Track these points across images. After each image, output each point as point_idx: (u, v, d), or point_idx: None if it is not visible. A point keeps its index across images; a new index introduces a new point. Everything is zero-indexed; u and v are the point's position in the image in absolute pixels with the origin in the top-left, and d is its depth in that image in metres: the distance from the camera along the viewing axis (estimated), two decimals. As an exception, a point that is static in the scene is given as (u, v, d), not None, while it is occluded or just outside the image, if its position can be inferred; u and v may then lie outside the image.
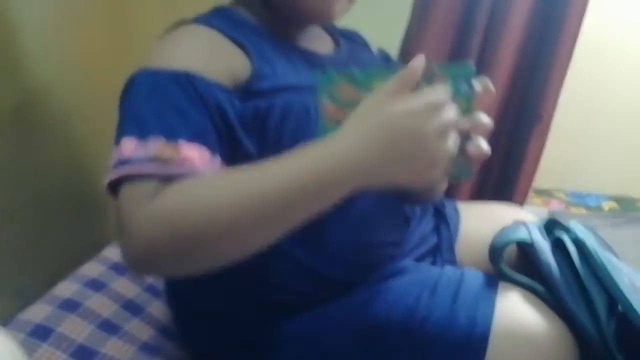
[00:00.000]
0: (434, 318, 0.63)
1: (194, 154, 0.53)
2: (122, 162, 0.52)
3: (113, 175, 0.52)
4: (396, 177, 0.51)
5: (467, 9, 1.20)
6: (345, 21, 0.78)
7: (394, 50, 1.24)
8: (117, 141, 0.54)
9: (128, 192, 0.51)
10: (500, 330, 0.60)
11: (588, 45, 1.32)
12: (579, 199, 1.64)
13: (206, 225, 0.49)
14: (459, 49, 1.22)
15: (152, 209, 0.49)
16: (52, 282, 0.79)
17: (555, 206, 1.60)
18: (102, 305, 0.78)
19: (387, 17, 1.23)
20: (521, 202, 1.32)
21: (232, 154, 0.59)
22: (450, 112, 0.50)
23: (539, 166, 1.32)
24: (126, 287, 0.83)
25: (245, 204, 0.49)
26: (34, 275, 0.80)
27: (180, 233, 0.48)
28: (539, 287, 0.65)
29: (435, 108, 0.49)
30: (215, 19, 0.67)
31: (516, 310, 0.62)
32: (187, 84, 0.56)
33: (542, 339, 0.60)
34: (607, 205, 1.63)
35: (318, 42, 0.77)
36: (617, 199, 1.64)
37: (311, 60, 0.72)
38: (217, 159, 0.56)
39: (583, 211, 1.59)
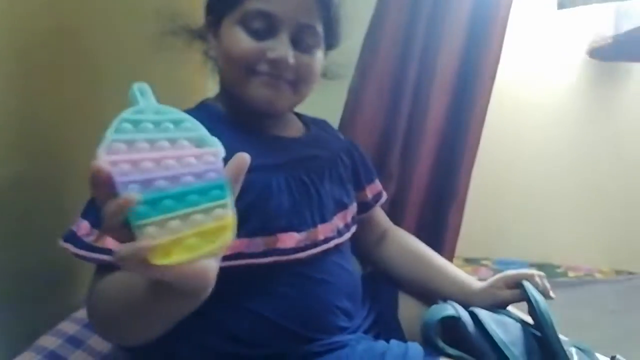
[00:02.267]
0: None
1: (111, 241, 0.65)
2: (75, 238, 0.67)
3: (66, 246, 0.68)
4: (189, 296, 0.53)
5: (390, 107, 1.34)
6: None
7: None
8: (82, 216, 0.69)
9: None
10: None
11: (495, 132, 1.48)
12: (504, 266, 1.78)
13: (105, 320, 0.63)
14: (386, 132, 1.36)
15: (87, 296, 0.66)
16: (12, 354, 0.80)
17: (484, 274, 1.72)
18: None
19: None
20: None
21: None
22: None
23: (464, 236, 1.45)
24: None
25: (123, 312, 0.58)
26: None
27: (97, 323, 0.66)
28: (471, 359, 0.73)
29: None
30: (193, 113, 0.72)
31: None
32: None
33: None
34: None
35: (288, 129, 0.85)
36: (539, 266, 1.80)
37: (277, 142, 0.81)
38: None
39: (509, 278, 1.71)
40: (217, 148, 0.49)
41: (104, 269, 0.65)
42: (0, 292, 0.84)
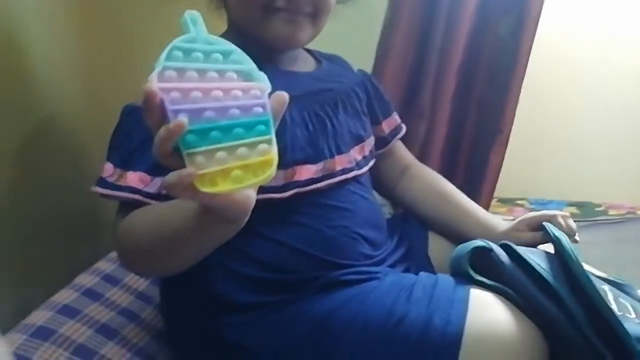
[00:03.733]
0: (410, 319, 0.67)
1: (134, 180, 0.69)
2: (102, 180, 0.71)
3: (95, 189, 0.72)
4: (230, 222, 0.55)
5: (425, 27, 1.30)
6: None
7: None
8: (107, 159, 0.72)
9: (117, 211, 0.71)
10: (473, 330, 0.65)
11: (543, 60, 1.42)
12: (541, 206, 1.73)
13: (135, 253, 0.65)
14: (417, 67, 1.33)
15: (115, 233, 0.67)
16: (51, 293, 0.83)
17: (520, 214, 1.67)
18: (98, 312, 0.82)
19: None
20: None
21: None
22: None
23: (499, 176, 1.41)
24: (120, 295, 0.88)
25: (159, 241, 0.60)
26: (33, 288, 0.84)
27: (129, 257, 0.68)
28: (509, 290, 0.70)
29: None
30: None
31: (488, 312, 0.67)
32: None
33: (513, 339, 0.64)
34: (568, 211, 1.72)
35: (300, 63, 0.85)
36: (578, 205, 1.74)
37: (291, 76, 0.80)
38: (160, 178, 0.67)
39: (546, 218, 1.67)
40: (264, 83, 0.50)
41: (128, 206, 0.68)
42: (41, 234, 0.87)
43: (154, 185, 0.68)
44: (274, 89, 0.70)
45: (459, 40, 1.30)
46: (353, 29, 1.16)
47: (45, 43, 0.87)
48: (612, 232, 1.55)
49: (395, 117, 1.00)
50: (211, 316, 0.75)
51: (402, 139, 1.12)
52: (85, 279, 0.87)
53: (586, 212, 1.71)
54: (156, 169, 0.68)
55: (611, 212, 1.71)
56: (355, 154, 0.85)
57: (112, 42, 1.01)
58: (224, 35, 0.80)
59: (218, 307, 0.74)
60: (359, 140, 0.86)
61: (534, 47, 1.31)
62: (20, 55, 0.83)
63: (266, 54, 0.78)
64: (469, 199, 0.96)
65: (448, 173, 1.36)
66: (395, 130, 0.99)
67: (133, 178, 0.69)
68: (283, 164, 0.71)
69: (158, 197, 0.68)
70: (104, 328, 0.80)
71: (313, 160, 0.76)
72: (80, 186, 0.94)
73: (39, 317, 0.76)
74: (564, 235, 0.77)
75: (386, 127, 0.97)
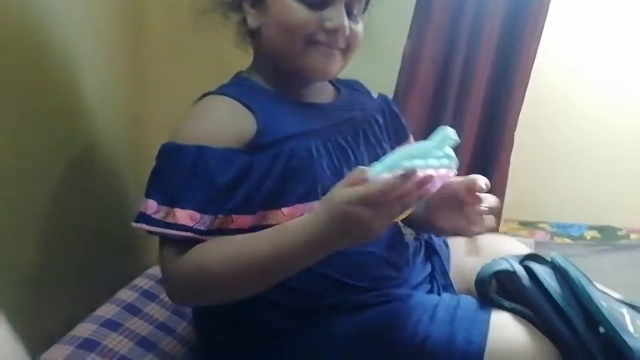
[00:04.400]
0: (433, 338, 0.71)
1: (185, 218, 0.70)
2: (146, 217, 0.71)
3: (139, 225, 0.72)
4: (348, 244, 0.66)
5: (441, 70, 1.37)
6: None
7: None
8: (146, 195, 0.72)
9: (162, 246, 0.72)
10: (493, 349, 0.68)
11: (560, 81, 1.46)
12: (562, 229, 1.74)
13: (213, 288, 0.70)
14: (439, 97, 1.39)
15: (177, 270, 0.70)
16: (93, 307, 0.89)
17: (541, 237, 1.70)
18: (138, 326, 0.88)
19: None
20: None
21: (254, 191, 0.73)
22: (390, 208, 0.62)
23: (521, 203, 1.44)
24: (157, 311, 0.93)
25: (242, 272, 0.67)
26: (77, 302, 0.90)
27: (195, 292, 0.71)
28: (527, 311, 0.74)
29: (373, 200, 0.60)
30: (233, 88, 0.81)
31: (508, 331, 0.71)
32: (195, 156, 0.70)
33: (531, 356, 0.69)
34: (589, 234, 1.73)
35: (322, 94, 0.88)
36: (599, 229, 1.75)
37: (313, 109, 0.84)
38: (208, 216, 0.70)
39: (567, 241, 1.69)
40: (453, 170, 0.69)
41: (177, 243, 0.70)
42: (84, 252, 0.93)
43: (203, 222, 0.70)
44: (299, 122, 0.79)
45: (479, 69, 1.35)
46: (371, 59, 1.21)
47: (96, 70, 0.94)
48: (632, 256, 1.56)
49: (412, 141, 1.02)
50: (244, 342, 0.79)
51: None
52: (126, 295, 0.93)
53: (607, 235, 1.72)
54: (205, 207, 0.70)
55: (632, 236, 1.72)
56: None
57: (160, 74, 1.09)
58: (251, 69, 0.86)
59: (252, 333, 0.78)
60: None
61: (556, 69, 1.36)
62: (71, 79, 0.90)
63: (295, 87, 0.84)
64: None
65: None
66: None
67: (183, 216, 0.69)
68: (310, 196, 0.76)
69: (208, 233, 0.70)
70: (143, 341, 0.85)
71: None
72: (119, 209, 1.01)
73: (84, 329, 0.82)
74: (571, 265, 0.79)
75: None
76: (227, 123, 0.75)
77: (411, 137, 1.03)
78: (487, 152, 1.44)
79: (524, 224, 1.72)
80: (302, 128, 0.78)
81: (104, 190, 0.98)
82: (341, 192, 0.62)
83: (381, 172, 0.61)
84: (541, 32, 1.35)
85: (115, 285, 0.95)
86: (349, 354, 0.74)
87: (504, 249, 0.92)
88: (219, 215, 0.70)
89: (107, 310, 0.88)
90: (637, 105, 1.72)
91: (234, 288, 0.69)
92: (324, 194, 0.75)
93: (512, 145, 1.43)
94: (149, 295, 0.95)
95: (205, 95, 0.81)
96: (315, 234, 0.64)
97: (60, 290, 0.88)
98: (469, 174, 1.39)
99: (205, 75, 0.88)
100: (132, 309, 0.90)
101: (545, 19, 1.34)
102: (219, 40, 0.87)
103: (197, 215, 0.70)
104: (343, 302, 0.77)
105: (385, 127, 0.95)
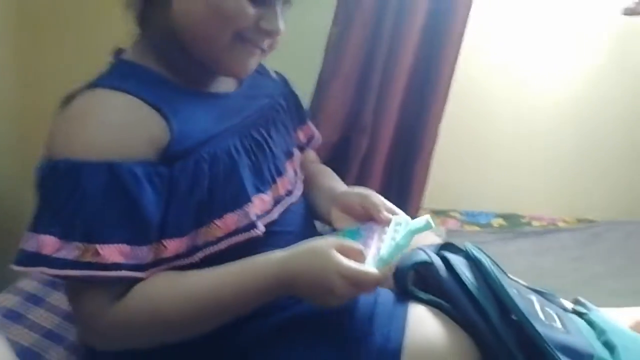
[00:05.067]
0: (353, 337, 0.69)
1: (113, 254, 0.59)
2: (43, 258, 0.58)
3: (37, 269, 0.59)
4: (310, 300, 0.65)
5: (371, 44, 1.33)
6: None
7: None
8: (36, 230, 0.60)
9: (79, 292, 0.61)
10: (411, 345, 0.67)
11: (464, 83, 1.49)
12: (471, 217, 1.80)
13: (161, 333, 0.64)
14: (361, 88, 1.36)
15: (116, 318, 0.61)
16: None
17: (452, 225, 1.74)
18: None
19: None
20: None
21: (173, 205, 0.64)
22: (365, 291, 0.64)
23: (434, 188, 1.47)
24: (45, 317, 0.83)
25: (197, 313, 0.63)
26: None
27: (135, 338, 0.64)
28: (444, 303, 0.73)
29: (361, 285, 0.62)
30: (120, 79, 0.67)
31: (425, 326, 0.70)
32: (107, 176, 0.59)
33: (448, 352, 0.68)
34: (496, 222, 1.80)
35: (224, 81, 0.79)
36: (505, 217, 1.83)
37: (221, 101, 0.76)
38: (141, 248, 0.61)
39: (476, 229, 1.74)
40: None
41: (113, 284, 0.61)
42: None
43: (135, 256, 0.61)
44: (211, 121, 0.70)
45: (404, 58, 1.34)
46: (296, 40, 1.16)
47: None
48: (535, 242, 1.64)
49: (310, 125, 0.98)
50: None
51: (346, 153, 1.13)
52: (6, 299, 0.82)
53: (512, 223, 1.80)
54: (134, 238, 0.61)
55: (535, 223, 1.81)
56: (290, 170, 0.84)
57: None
58: (140, 50, 0.72)
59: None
60: (290, 156, 0.85)
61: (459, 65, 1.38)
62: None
63: (199, 75, 0.74)
64: (329, 177, 0.96)
65: (386, 185, 1.44)
66: (311, 138, 0.97)
67: (110, 252, 0.59)
68: (243, 201, 0.69)
69: (143, 268, 0.62)
70: (26, 352, 0.75)
71: (262, 189, 0.74)
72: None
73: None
74: (484, 255, 0.80)
75: (302, 135, 0.95)
76: (133, 129, 0.63)
77: (310, 122, 0.98)
78: (410, 142, 1.44)
79: (437, 213, 1.76)
80: (217, 127, 0.70)
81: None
82: (337, 258, 0.61)
83: (380, 265, 0.64)
84: (466, 23, 1.35)
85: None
86: (270, 356, 0.70)
87: (418, 239, 0.90)
88: (151, 244, 0.62)
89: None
90: (543, 100, 1.80)
91: (187, 331, 0.64)
92: (251, 194, 0.70)
93: (436, 136, 1.43)
94: (34, 300, 0.84)
95: (85, 88, 0.66)
96: (287, 281, 0.63)
97: None
98: (392, 162, 1.43)
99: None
100: (13, 316, 0.79)
101: (470, 9, 1.34)
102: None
103: (127, 248, 0.60)
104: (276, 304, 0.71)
105: (289, 110, 0.90)
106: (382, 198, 0.81)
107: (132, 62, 0.71)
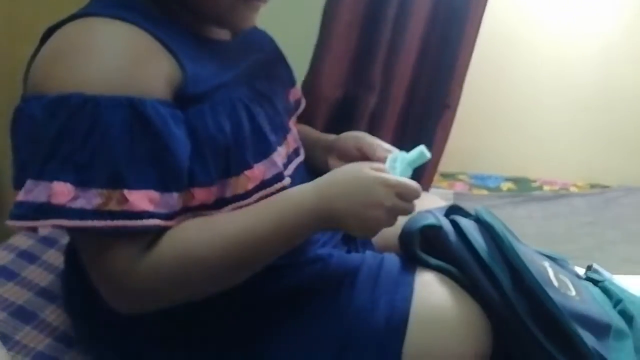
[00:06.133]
0: (356, 304, 0.65)
1: (142, 201, 0.53)
2: (57, 208, 0.50)
3: (50, 222, 0.51)
4: (349, 226, 0.62)
5: (374, 4, 1.22)
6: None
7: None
8: (41, 177, 0.51)
9: (102, 244, 0.54)
10: (418, 314, 0.64)
11: (489, 38, 1.41)
12: (480, 181, 1.76)
13: (200, 282, 0.58)
14: (367, 39, 1.25)
15: (147, 271, 0.55)
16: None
17: (460, 188, 1.71)
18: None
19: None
20: (427, 186, 1.40)
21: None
22: (413, 205, 0.63)
23: (444, 153, 1.41)
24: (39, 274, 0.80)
25: (236, 254, 0.58)
26: None
27: (171, 292, 0.58)
28: (453, 269, 0.69)
29: (405, 193, 0.61)
30: (116, 8, 0.58)
31: (433, 293, 0.66)
32: (131, 113, 0.52)
33: (457, 322, 0.64)
34: (505, 186, 1.77)
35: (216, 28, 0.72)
36: (515, 180, 1.79)
37: (221, 47, 0.70)
38: (171, 195, 0.55)
39: (485, 192, 1.71)
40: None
41: (141, 235, 0.54)
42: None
43: (165, 203, 0.55)
44: (216, 67, 0.64)
45: (417, 12, 1.24)
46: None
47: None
48: (545, 207, 1.60)
49: (298, 89, 0.91)
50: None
51: (351, 111, 1.07)
52: (-2, 256, 0.79)
53: (522, 187, 1.76)
54: (163, 183, 0.55)
55: (545, 187, 1.76)
56: (293, 127, 0.79)
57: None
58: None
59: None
60: (289, 112, 0.80)
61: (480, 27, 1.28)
62: None
63: (197, 21, 0.67)
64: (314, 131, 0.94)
65: (398, 146, 1.35)
66: (298, 101, 0.91)
67: (139, 198, 0.52)
68: (268, 151, 0.65)
69: (170, 217, 0.56)
70: (20, 310, 0.72)
71: (279, 142, 0.69)
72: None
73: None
74: (496, 219, 0.76)
75: (291, 97, 0.88)
76: (147, 62, 0.56)
77: (298, 87, 0.91)
78: (428, 101, 1.34)
79: (444, 176, 1.72)
80: (224, 75, 0.64)
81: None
82: (375, 171, 0.61)
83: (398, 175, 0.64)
84: None
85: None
86: (269, 322, 0.66)
87: (423, 203, 0.86)
88: (180, 192, 0.56)
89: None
90: (558, 62, 1.73)
91: (225, 276, 0.59)
92: (272, 148, 0.66)
93: (459, 96, 1.33)
94: (27, 257, 0.81)
95: (71, 18, 0.58)
96: (328, 208, 0.60)
97: None
98: (405, 123, 1.35)
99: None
100: (6, 274, 0.76)
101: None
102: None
103: (156, 195, 0.54)
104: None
105: (281, 68, 0.84)
106: (376, 138, 0.79)
107: None
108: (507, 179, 1.79)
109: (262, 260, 0.61)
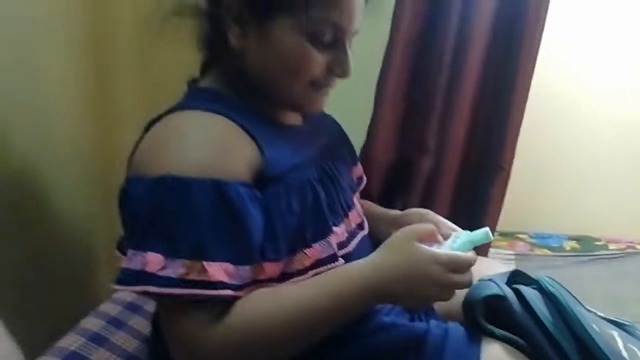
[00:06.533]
0: None
1: (219, 272, 0.59)
2: (148, 276, 0.58)
3: (141, 288, 0.59)
4: (405, 303, 0.66)
5: (426, 70, 1.28)
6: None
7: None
8: (140, 247, 0.59)
9: (178, 312, 0.60)
10: None
11: (544, 95, 1.43)
12: (541, 240, 1.73)
13: (266, 351, 0.63)
14: (420, 103, 1.31)
15: (218, 338, 0.60)
16: (55, 337, 0.82)
17: (521, 248, 1.68)
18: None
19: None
20: (487, 247, 1.40)
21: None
22: (468, 277, 0.65)
23: (501, 212, 1.41)
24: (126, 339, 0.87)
25: (298, 326, 0.62)
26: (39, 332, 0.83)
27: (243, 357, 0.62)
28: (519, 340, 0.70)
29: (457, 268, 0.63)
30: (208, 102, 0.68)
31: None
32: (215, 194, 0.60)
33: None
34: (568, 245, 1.72)
35: (291, 114, 0.80)
36: (578, 239, 1.74)
37: (295, 132, 0.78)
38: (244, 268, 0.62)
39: (547, 252, 1.67)
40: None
41: (214, 304, 0.60)
42: (44, 280, 0.86)
43: (239, 276, 0.61)
44: (293, 151, 0.72)
45: (468, 76, 1.29)
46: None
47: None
48: (612, 267, 1.55)
49: (359, 166, 0.98)
50: None
51: (408, 173, 1.11)
52: (90, 323, 0.86)
53: (586, 246, 1.71)
54: (238, 256, 0.61)
55: (611, 246, 1.71)
56: (357, 203, 0.85)
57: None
58: (218, 83, 0.74)
59: None
60: (353, 189, 0.87)
61: (533, 83, 1.31)
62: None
63: (274, 109, 0.76)
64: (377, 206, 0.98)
65: (455, 209, 1.38)
66: (360, 179, 0.97)
67: (216, 270, 0.59)
68: (327, 232, 0.71)
69: (241, 289, 0.62)
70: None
71: (337, 222, 0.74)
72: (79, 230, 0.95)
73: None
74: (559, 287, 0.77)
75: (354, 174, 0.94)
76: (233, 149, 0.64)
77: (359, 164, 0.98)
78: (482, 163, 1.37)
79: (504, 235, 1.71)
80: (298, 157, 0.72)
81: (61, 217, 0.92)
82: (424, 247, 0.63)
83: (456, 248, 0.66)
84: (542, 30, 1.27)
85: (79, 313, 0.89)
86: None
87: (484, 269, 0.87)
88: (253, 265, 0.63)
89: (70, 341, 0.81)
90: (622, 116, 1.73)
91: (288, 346, 0.64)
92: (332, 226, 0.72)
93: (513, 157, 1.35)
94: (115, 323, 0.88)
95: (170, 111, 0.68)
96: (383, 287, 0.63)
97: (17, 321, 0.81)
98: (461, 185, 1.37)
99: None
100: (98, 339, 0.83)
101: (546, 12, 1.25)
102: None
103: (231, 267, 0.60)
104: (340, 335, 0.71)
105: (344, 148, 0.91)
106: (440, 216, 0.82)
107: (212, 89, 0.73)
108: (570, 238, 1.75)
109: (324, 331, 0.65)
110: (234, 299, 0.61)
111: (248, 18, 0.68)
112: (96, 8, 0.99)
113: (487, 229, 0.69)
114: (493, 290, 0.75)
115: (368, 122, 1.31)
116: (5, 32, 0.80)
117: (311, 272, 0.68)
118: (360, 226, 0.82)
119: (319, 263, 0.69)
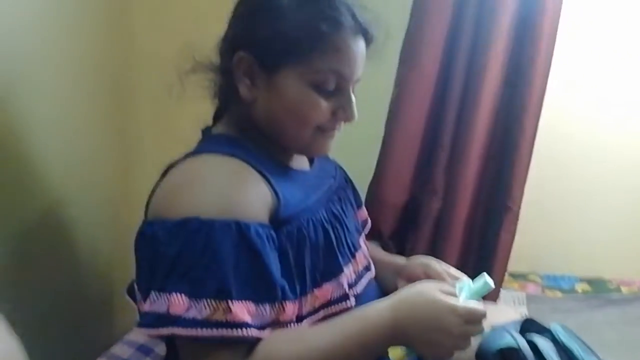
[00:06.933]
0: None
1: (242, 312, 0.60)
2: (173, 318, 0.59)
3: (167, 331, 0.59)
4: (419, 349, 0.67)
5: (435, 110, 1.30)
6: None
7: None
8: (164, 289, 0.60)
9: (202, 352, 0.61)
10: None
11: (551, 136, 1.44)
12: (553, 281, 1.71)
13: None
14: (429, 145, 1.32)
15: None
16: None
17: (532, 290, 1.67)
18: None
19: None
20: (497, 289, 1.39)
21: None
22: (481, 327, 0.65)
23: (511, 254, 1.40)
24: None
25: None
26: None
27: None
28: None
29: (473, 320, 0.64)
30: (224, 147, 0.71)
31: None
32: (237, 235, 0.61)
33: None
34: (580, 287, 1.70)
35: (300, 159, 0.84)
36: (589, 281, 1.72)
37: (304, 176, 0.81)
38: (264, 307, 0.63)
39: (559, 294, 1.66)
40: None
41: (237, 344, 0.61)
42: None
43: (261, 315, 0.62)
44: (304, 194, 0.74)
45: (477, 120, 1.30)
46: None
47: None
48: (625, 310, 1.53)
49: (364, 210, 0.99)
50: None
51: (417, 215, 1.12)
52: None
53: (598, 288, 1.70)
54: (260, 296, 0.62)
55: (623, 288, 1.69)
56: (364, 245, 0.87)
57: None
58: (232, 130, 0.76)
59: None
60: (359, 232, 0.88)
61: (540, 124, 1.32)
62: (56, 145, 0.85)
63: (284, 154, 0.79)
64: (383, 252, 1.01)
65: (465, 250, 1.37)
66: (365, 222, 0.99)
67: (241, 310, 0.60)
68: (336, 271, 0.73)
69: (263, 328, 0.63)
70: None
71: (345, 264, 0.76)
72: (95, 271, 0.96)
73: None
74: (573, 338, 0.77)
75: (359, 217, 0.95)
76: (251, 191, 0.66)
77: (364, 207, 1.00)
78: (491, 205, 1.37)
79: (514, 276, 1.69)
80: (308, 199, 0.75)
81: (77, 252, 0.93)
82: (443, 297, 0.64)
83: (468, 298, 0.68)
84: (549, 70, 1.28)
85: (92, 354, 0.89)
86: None
87: (496, 316, 0.87)
88: (273, 304, 0.64)
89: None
90: (632, 156, 1.74)
91: None
92: (340, 269, 0.73)
93: (521, 198, 1.35)
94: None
95: (187, 156, 0.70)
96: (400, 334, 0.64)
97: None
98: (471, 226, 1.37)
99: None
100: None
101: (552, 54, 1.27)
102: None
103: (253, 306, 0.61)
104: None
105: (350, 191, 0.93)
106: (444, 264, 0.84)
107: (226, 135, 0.76)
108: (581, 280, 1.73)
109: None
110: (258, 340, 0.62)
111: (257, 70, 0.71)
112: (118, 58, 1.03)
113: (485, 277, 0.70)
114: (507, 341, 0.75)
115: (374, 161, 1.32)
116: (39, 80, 0.83)
117: (322, 312, 0.70)
118: (367, 268, 0.83)
119: (330, 303, 0.71)
